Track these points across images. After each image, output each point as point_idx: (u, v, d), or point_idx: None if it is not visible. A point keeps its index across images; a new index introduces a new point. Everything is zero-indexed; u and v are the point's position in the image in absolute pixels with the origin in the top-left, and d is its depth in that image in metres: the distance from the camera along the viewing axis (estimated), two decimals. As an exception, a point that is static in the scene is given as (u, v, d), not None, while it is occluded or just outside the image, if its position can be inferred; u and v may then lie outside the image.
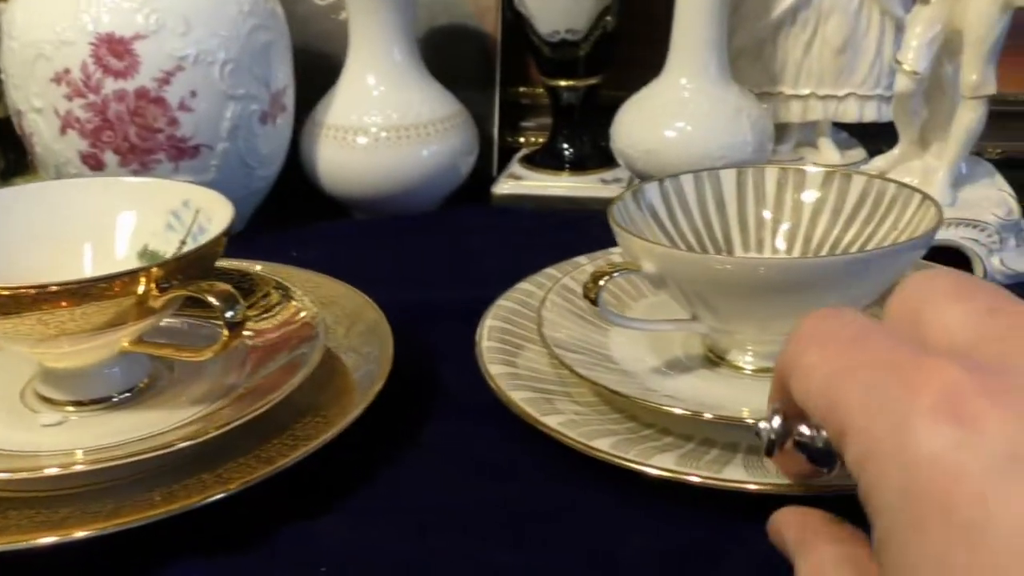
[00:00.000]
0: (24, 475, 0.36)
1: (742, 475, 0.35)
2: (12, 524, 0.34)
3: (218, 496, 0.35)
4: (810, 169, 0.47)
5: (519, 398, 0.40)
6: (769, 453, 0.23)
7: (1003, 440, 0.16)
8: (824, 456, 0.20)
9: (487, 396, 0.42)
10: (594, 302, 0.40)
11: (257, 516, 0.37)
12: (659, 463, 0.36)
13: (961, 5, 0.53)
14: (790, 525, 0.22)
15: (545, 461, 0.39)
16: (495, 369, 0.43)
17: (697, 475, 0.35)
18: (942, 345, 0.19)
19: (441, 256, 0.63)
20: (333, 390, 0.43)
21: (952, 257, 0.55)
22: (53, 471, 0.36)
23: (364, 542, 0.36)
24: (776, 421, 0.23)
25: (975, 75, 0.54)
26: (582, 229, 0.66)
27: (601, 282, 0.40)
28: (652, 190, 0.46)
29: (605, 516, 0.37)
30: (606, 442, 0.37)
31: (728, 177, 0.47)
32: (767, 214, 0.47)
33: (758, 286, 0.38)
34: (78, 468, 0.36)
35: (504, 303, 0.49)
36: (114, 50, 0.55)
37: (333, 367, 0.45)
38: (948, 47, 0.55)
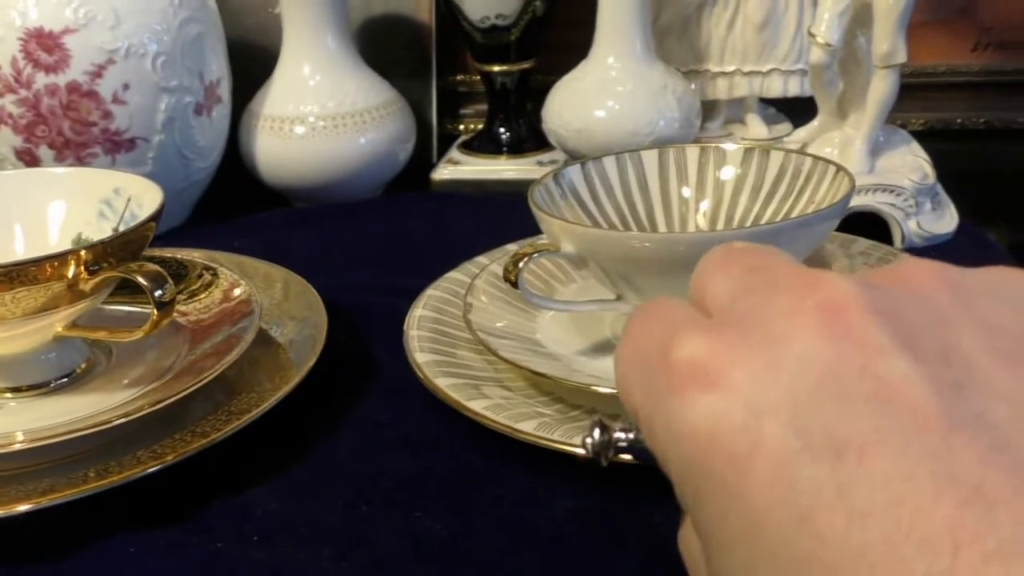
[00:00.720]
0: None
1: None
2: (-52, 504, 0.35)
3: (151, 469, 0.36)
4: (729, 147, 0.47)
5: (444, 384, 0.40)
6: (598, 464, 0.22)
7: (743, 397, 0.16)
8: (645, 453, 0.20)
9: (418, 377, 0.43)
10: (514, 284, 0.40)
11: (192, 490, 0.38)
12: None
13: (870, -22, 0.55)
14: None
15: (473, 437, 0.40)
16: (422, 357, 0.42)
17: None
18: (711, 304, 0.19)
19: (381, 242, 0.63)
20: (268, 368, 0.44)
21: (871, 222, 0.57)
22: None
23: (295, 514, 0.37)
24: (596, 432, 0.22)
25: (886, 45, 0.56)
26: (520, 211, 0.67)
27: (521, 264, 0.40)
28: (574, 172, 0.46)
29: (530, 487, 0.37)
30: (531, 424, 0.37)
31: (650, 158, 0.47)
32: (689, 193, 0.47)
33: (676, 262, 0.38)
34: (16, 447, 0.37)
35: (433, 292, 0.49)
36: (44, 44, 0.56)
37: (269, 347, 0.46)
38: (859, 18, 0.57)
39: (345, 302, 0.52)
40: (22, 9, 0.56)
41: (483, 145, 0.74)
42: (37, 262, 0.38)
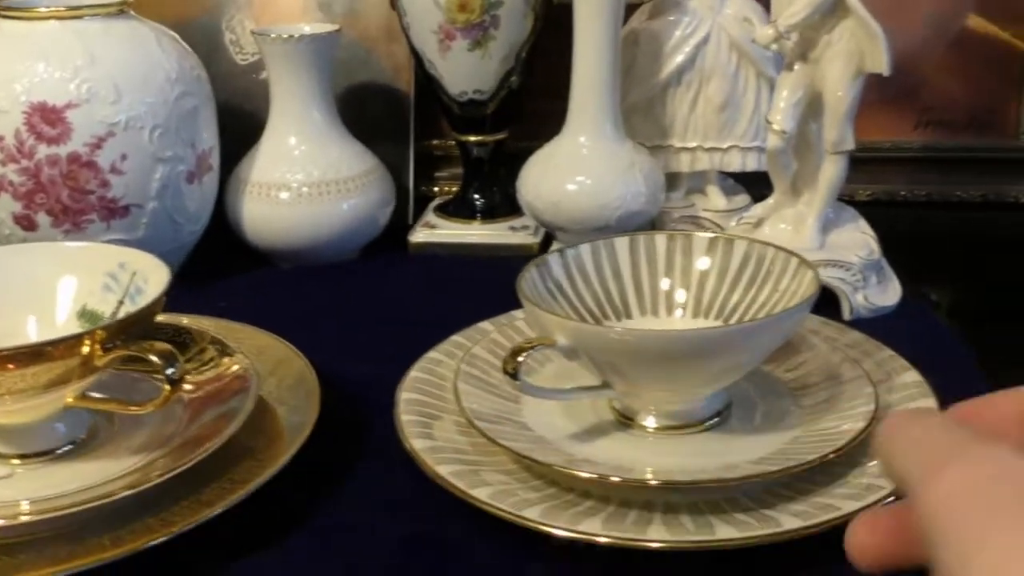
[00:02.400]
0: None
1: (664, 534, 0.39)
2: (-29, 571, 0.38)
3: (163, 538, 0.38)
4: (696, 235, 0.51)
5: (446, 472, 0.42)
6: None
7: None
8: None
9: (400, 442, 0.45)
10: (515, 376, 0.43)
11: (198, 556, 0.40)
12: (588, 528, 0.39)
13: (820, 71, 0.60)
14: None
15: (463, 505, 0.42)
16: (419, 444, 0.45)
17: (652, 540, 0.38)
18: None
19: (362, 302, 0.67)
20: (266, 436, 0.47)
21: (821, 295, 0.62)
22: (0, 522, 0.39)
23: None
24: None
25: (835, 133, 0.61)
26: (492, 275, 0.71)
27: (520, 357, 0.43)
28: (555, 262, 0.49)
29: (510, 557, 0.41)
30: (535, 511, 0.40)
31: (622, 245, 0.51)
32: (660, 279, 0.51)
33: (661, 355, 0.42)
34: (24, 519, 0.39)
35: (416, 374, 0.51)
36: (47, 118, 0.58)
37: (264, 414, 0.49)
38: (812, 108, 0.62)
39: (332, 366, 0.55)
40: (27, 84, 0.58)
41: (458, 210, 0.77)
42: (55, 343, 0.40)
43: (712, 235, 0.51)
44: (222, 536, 0.41)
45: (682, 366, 0.43)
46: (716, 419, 0.47)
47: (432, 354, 0.53)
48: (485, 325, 0.56)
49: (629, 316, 0.51)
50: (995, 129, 0.80)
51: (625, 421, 0.47)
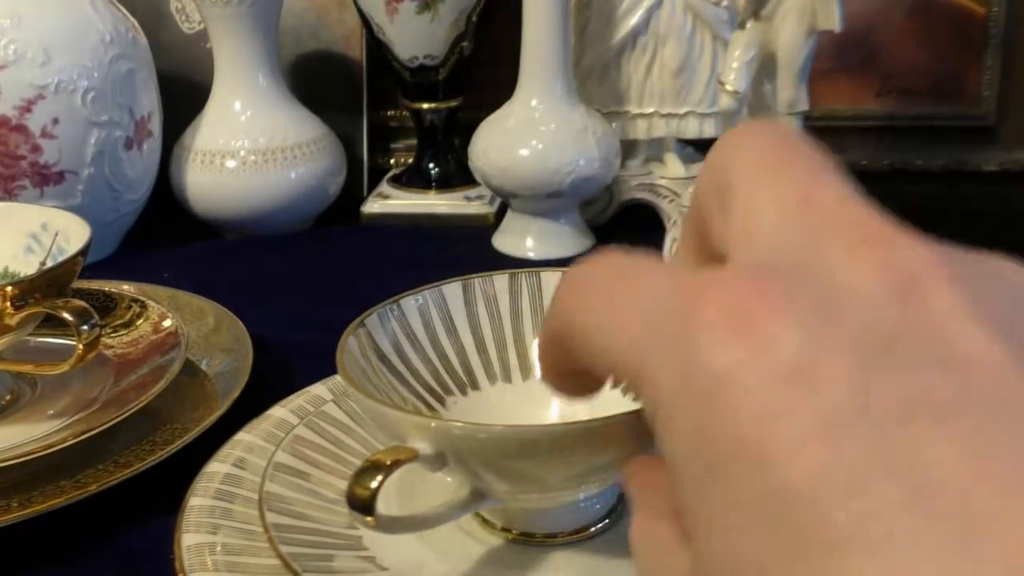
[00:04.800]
0: None
1: None
2: None
3: (73, 499, 0.37)
4: (544, 272, 0.39)
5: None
6: None
7: (786, 353, 0.14)
8: None
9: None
10: (368, 511, 0.28)
11: (115, 519, 0.39)
12: None
13: (773, 30, 0.59)
14: (633, 476, 0.19)
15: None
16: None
17: None
18: (744, 236, 0.17)
19: (310, 274, 0.65)
20: (194, 400, 0.45)
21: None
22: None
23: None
24: None
25: (788, 93, 0.60)
26: (444, 245, 0.69)
27: (374, 484, 0.28)
28: (377, 327, 0.36)
29: None
30: None
31: (453, 293, 0.39)
32: (506, 332, 0.39)
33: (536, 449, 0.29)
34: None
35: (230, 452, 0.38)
36: (-28, 80, 0.56)
37: (196, 378, 0.47)
38: (765, 68, 0.61)
39: (273, 335, 0.53)
40: (-49, 45, 0.56)
41: (412, 180, 0.76)
42: (-38, 297, 0.39)
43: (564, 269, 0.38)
44: (143, 500, 0.40)
45: (573, 460, 0.30)
46: (605, 522, 0.34)
47: (276, 411, 0.41)
48: (317, 389, 0.42)
49: (476, 387, 0.38)
50: (957, 96, 0.79)
51: (514, 535, 0.35)
